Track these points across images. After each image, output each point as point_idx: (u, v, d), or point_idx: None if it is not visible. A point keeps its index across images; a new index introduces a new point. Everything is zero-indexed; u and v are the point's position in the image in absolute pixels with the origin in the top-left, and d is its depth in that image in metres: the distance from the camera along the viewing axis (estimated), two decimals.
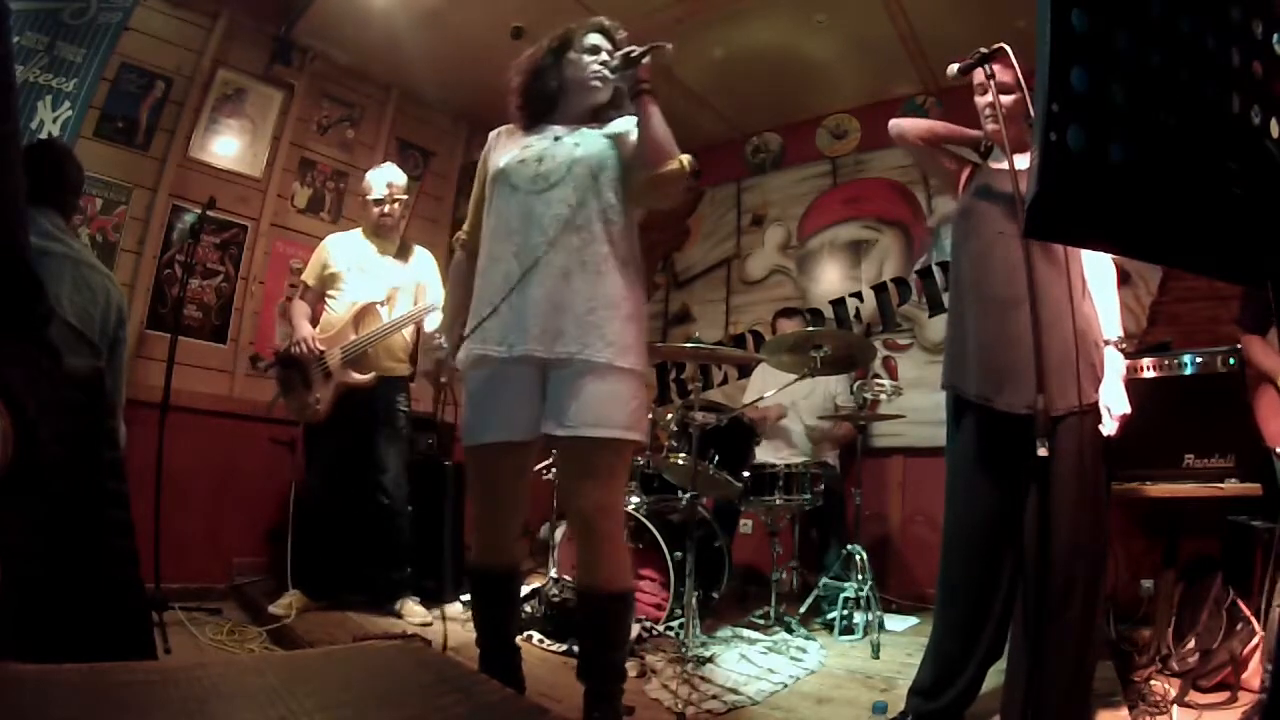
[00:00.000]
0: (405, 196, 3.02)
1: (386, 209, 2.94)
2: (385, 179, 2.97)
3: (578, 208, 1.61)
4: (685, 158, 1.62)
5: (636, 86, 1.63)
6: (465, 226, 1.86)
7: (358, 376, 2.80)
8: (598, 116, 1.76)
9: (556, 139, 1.70)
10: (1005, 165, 1.79)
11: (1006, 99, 1.74)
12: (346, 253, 2.95)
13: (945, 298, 2.01)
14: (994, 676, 1.78)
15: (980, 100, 1.81)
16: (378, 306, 2.86)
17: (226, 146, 3.65)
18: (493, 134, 1.86)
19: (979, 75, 1.73)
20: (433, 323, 2.84)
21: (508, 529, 1.75)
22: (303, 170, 3.96)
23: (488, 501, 1.74)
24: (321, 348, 2.81)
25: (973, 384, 1.73)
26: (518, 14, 3.42)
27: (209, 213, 3.02)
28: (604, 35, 1.76)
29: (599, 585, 1.62)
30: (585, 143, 1.68)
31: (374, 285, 2.88)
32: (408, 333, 2.94)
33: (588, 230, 1.61)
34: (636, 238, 1.72)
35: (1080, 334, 1.64)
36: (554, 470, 2.97)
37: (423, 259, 3.06)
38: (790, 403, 3.63)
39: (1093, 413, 1.64)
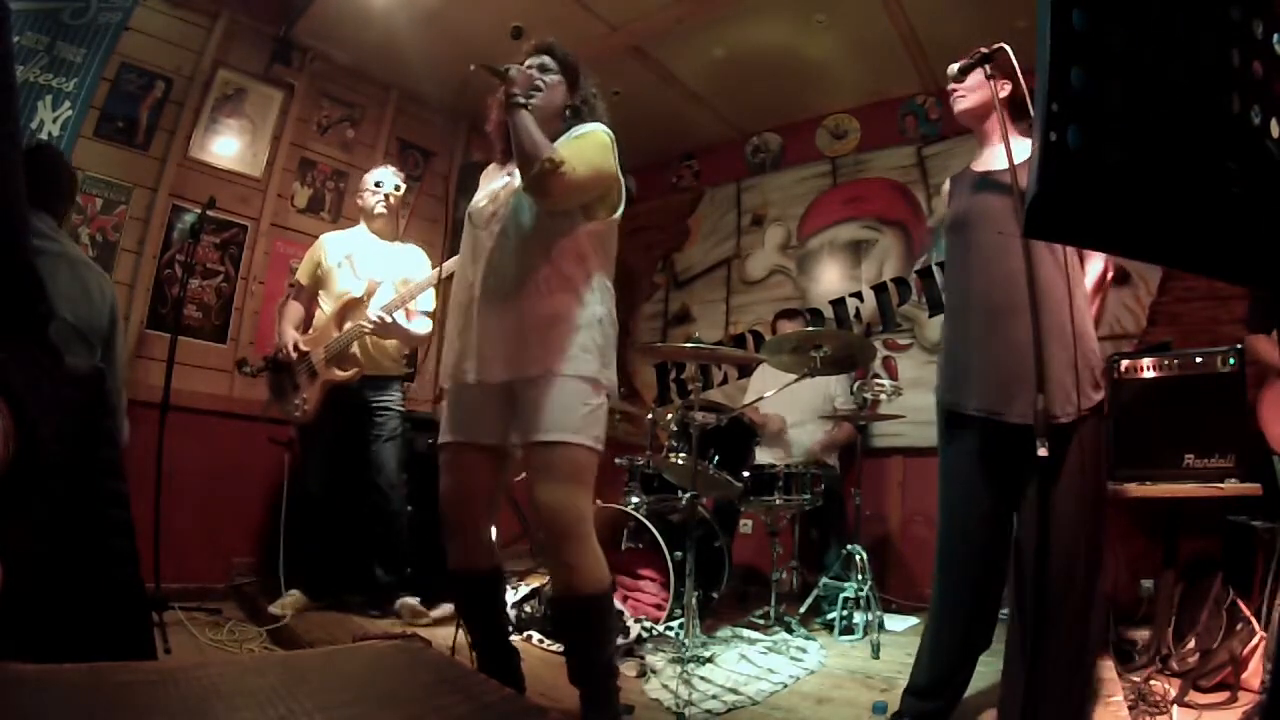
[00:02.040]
0: (401, 184, 3.06)
1: (386, 191, 2.99)
2: (385, 170, 3.06)
3: (515, 234, 1.68)
4: (548, 156, 1.57)
5: (508, 100, 1.61)
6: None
7: (340, 373, 2.80)
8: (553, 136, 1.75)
9: (510, 174, 1.77)
10: (990, 167, 1.82)
11: (979, 95, 1.78)
12: (339, 248, 2.96)
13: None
14: (983, 671, 1.80)
15: (955, 85, 1.84)
16: (360, 302, 2.85)
17: (226, 146, 3.65)
18: (483, 174, 1.95)
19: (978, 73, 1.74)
20: (418, 326, 2.84)
21: (477, 531, 1.76)
22: (303, 170, 3.96)
23: (455, 503, 1.75)
24: (305, 349, 2.82)
25: (976, 398, 1.71)
26: (518, 14, 3.43)
27: (209, 213, 3.02)
28: (545, 54, 1.79)
29: (571, 589, 1.61)
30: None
31: (359, 280, 2.89)
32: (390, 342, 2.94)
33: (527, 253, 1.66)
34: (591, 247, 1.72)
35: (1079, 336, 1.64)
36: None
37: (414, 254, 3.07)
38: (794, 421, 3.63)
39: (1093, 416, 1.64)
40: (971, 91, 1.81)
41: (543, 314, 1.63)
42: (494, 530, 1.83)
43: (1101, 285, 1.81)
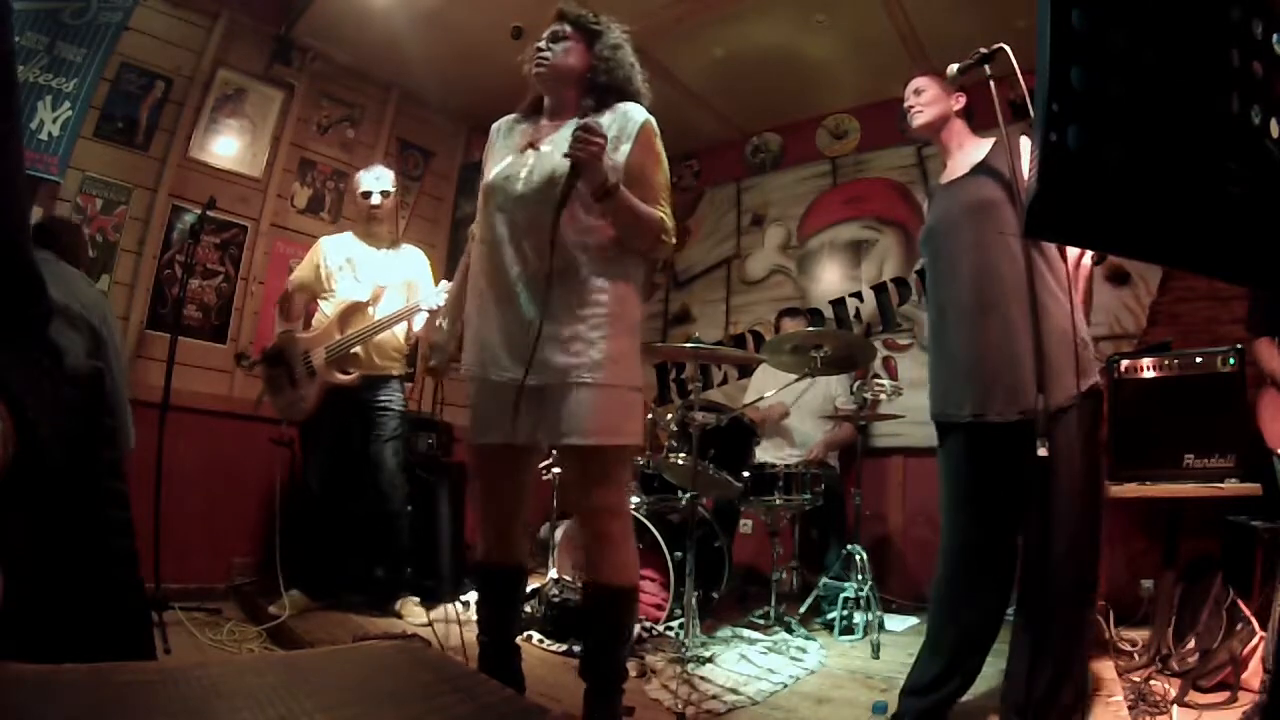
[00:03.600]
0: (393, 188, 3.05)
1: (375, 200, 2.97)
2: (374, 175, 3.03)
3: (553, 226, 1.56)
4: (664, 230, 1.64)
5: (605, 189, 1.54)
6: (477, 218, 1.82)
7: (341, 377, 2.79)
8: (580, 107, 1.69)
9: (541, 150, 1.67)
10: (951, 176, 1.86)
11: (935, 110, 1.86)
12: (338, 252, 2.95)
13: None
14: (985, 673, 1.80)
15: (912, 102, 1.90)
16: (365, 307, 2.85)
17: (226, 146, 3.65)
18: (494, 127, 1.85)
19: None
20: (419, 322, 2.85)
21: (511, 527, 1.78)
22: (303, 170, 3.96)
23: (489, 500, 1.77)
24: (306, 347, 2.81)
25: (963, 405, 1.73)
26: (518, 14, 3.40)
27: (209, 213, 3.02)
28: (556, 22, 1.72)
29: (605, 578, 1.64)
30: (561, 152, 1.59)
31: (361, 284, 2.88)
32: (400, 331, 2.93)
33: (564, 248, 1.58)
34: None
35: (1061, 330, 1.64)
36: (554, 471, 2.98)
37: (414, 256, 3.07)
38: (794, 402, 3.63)
39: (1079, 404, 1.64)
40: (928, 106, 1.88)
41: (585, 313, 1.58)
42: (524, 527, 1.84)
43: (1079, 267, 1.80)
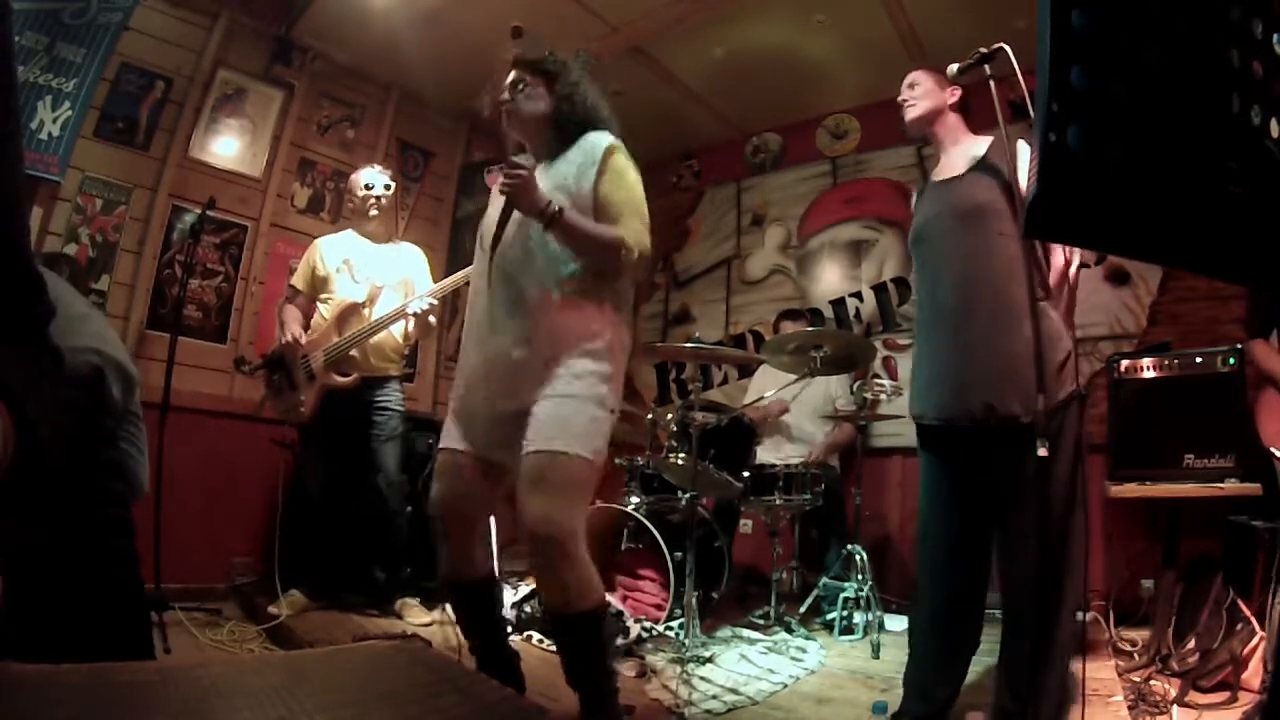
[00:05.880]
0: (390, 183, 3.05)
1: (378, 191, 2.97)
2: (373, 170, 3.04)
3: (524, 259, 1.62)
4: (620, 247, 1.58)
5: (545, 217, 1.55)
6: None
7: (340, 379, 2.79)
8: (558, 146, 1.73)
9: None
10: (940, 175, 1.85)
11: (927, 103, 1.85)
12: (335, 253, 2.95)
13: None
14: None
15: (904, 96, 1.89)
16: (361, 308, 2.85)
17: (226, 146, 3.65)
18: (491, 177, 1.91)
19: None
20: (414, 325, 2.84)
21: (470, 539, 1.74)
22: (303, 170, 3.96)
23: (447, 509, 1.72)
24: (305, 351, 2.81)
25: (934, 408, 1.72)
26: (518, 14, 3.40)
27: (209, 213, 3.02)
28: (515, 69, 1.76)
29: (567, 607, 1.56)
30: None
31: (359, 285, 2.88)
32: (398, 332, 2.93)
33: (538, 278, 1.61)
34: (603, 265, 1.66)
35: (1049, 333, 1.62)
36: None
37: (412, 254, 3.07)
38: (795, 421, 3.63)
39: (1065, 409, 1.63)
40: (921, 99, 1.86)
41: (558, 338, 1.59)
42: (492, 537, 1.82)
43: (1064, 276, 1.79)
